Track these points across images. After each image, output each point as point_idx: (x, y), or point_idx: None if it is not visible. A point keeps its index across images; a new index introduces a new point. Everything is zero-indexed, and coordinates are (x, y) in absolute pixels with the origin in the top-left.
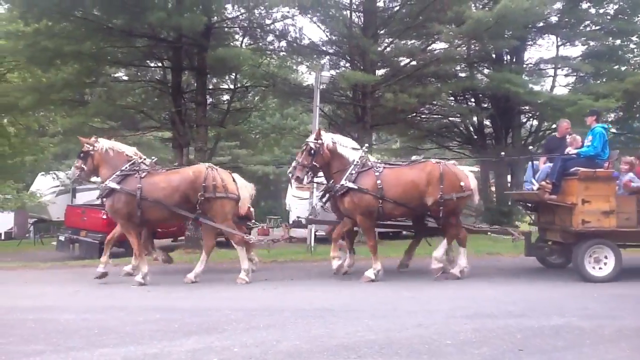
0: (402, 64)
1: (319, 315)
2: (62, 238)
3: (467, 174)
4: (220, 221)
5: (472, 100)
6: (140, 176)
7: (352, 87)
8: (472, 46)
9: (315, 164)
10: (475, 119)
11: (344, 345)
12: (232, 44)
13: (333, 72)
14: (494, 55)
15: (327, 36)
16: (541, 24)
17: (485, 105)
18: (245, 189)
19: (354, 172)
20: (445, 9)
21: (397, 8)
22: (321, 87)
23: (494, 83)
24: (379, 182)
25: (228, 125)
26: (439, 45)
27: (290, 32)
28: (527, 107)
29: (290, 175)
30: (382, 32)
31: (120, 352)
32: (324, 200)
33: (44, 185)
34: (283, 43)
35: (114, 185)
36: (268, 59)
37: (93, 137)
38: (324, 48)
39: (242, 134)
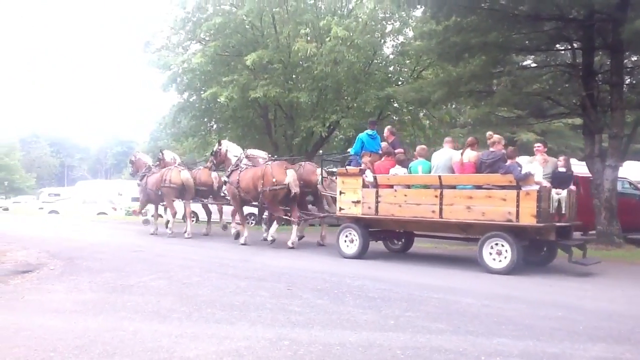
0: None
1: None
2: None
3: (287, 172)
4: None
5: None
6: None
7: None
8: None
9: (214, 161)
10: None
11: None
12: None
13: None
14: None
15: None
16: None
17: None
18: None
19: (229, 170)
20: None
21: None
22: None
23: None
24: (237, 178)
25: None
26: None
27: None
28: None
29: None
30: None
31: (518, 345)
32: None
33: None
34: None
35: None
36: None
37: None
38: None
39: None
